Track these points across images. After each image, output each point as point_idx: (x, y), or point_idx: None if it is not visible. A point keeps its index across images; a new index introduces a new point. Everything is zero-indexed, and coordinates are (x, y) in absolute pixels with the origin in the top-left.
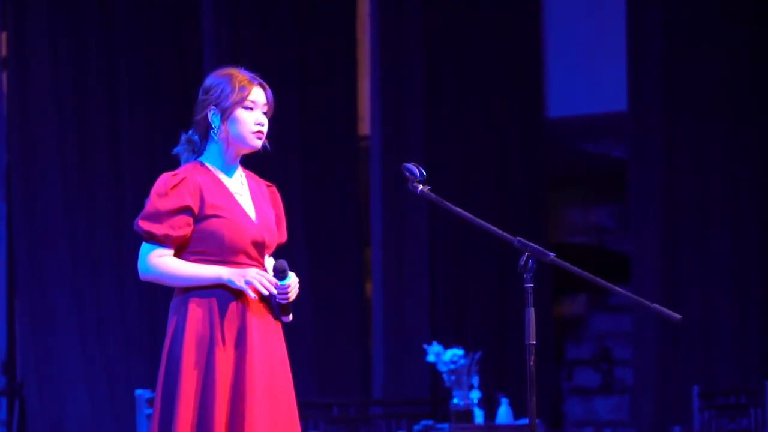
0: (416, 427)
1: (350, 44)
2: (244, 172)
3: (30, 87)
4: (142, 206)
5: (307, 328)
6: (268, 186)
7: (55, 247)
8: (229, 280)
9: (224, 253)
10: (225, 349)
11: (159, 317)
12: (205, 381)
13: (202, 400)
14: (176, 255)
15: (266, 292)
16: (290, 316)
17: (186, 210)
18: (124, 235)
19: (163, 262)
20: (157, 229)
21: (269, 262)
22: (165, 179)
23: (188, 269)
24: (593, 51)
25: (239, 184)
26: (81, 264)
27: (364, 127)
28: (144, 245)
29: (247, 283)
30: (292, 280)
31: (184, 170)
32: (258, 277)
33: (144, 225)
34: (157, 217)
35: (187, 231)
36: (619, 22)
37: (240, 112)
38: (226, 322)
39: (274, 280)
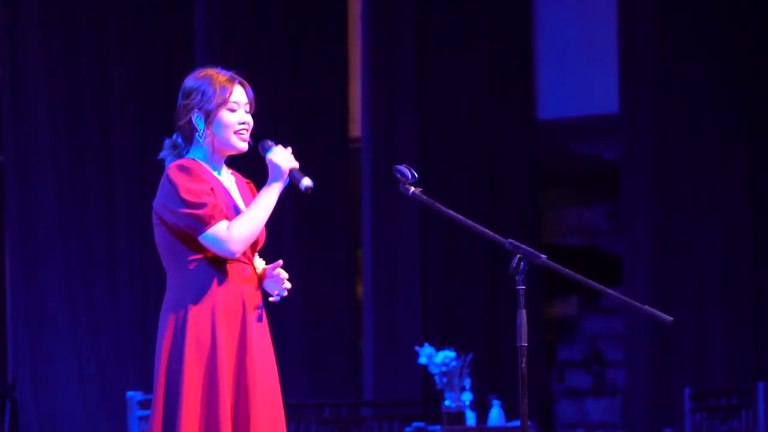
0: (408, 429)
1: (341, 46)
2: (228, 169)
3: (22, 89)
4: (134, 207)
5: (299, 330)
6: (248, 182)
7: (47, 248)
8: (281, 185)
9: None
10: (227, 354)
11: (151, 318)
12: (209, 386)
13: (207, 405)
14: (174, 255)
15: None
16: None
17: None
18: (117, 236)
19: (236, 226)
20: (212, 207)
21: (259, 261)
22: (180, 169)
23: (257, 212)
24: (585, 52)
25: (229, 182)
26: (73, 265)
27: (355, 129)
28: (209, 230)
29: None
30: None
31: (186, 161)
32: (286, 154)
33: (199, 211)
34: (201, 200)
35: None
36: (610, 23)
37: (224, 114)
38: (227, 327)
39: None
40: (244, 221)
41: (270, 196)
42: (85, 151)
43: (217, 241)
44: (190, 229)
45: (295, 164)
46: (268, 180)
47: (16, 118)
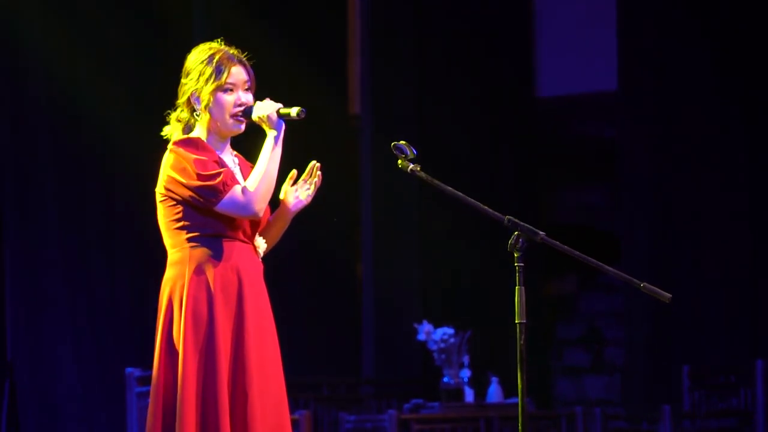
0: (407, 406)
1: (340, 24)
2: (233, 151)
3: (22, 80)
4: (132, 187)
5: (298, 308)
6: (251, 166)
7: (45, 228)
8: (279, 132)
9: (225, 229)
10: (224, 330)
11: (149, 297)
12: (205, 362)
13: (204, 381)
14: (174, 232)
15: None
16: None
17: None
18: (115, 217)
19: (252, 186)
20: (224, 175)
21: (260, 240)
22: (187, 143)
23: (267, 167)
24: (584, 30)
25: (232, 163)
26: (71, 245)
27: (355, 107)
28: (226, 197)
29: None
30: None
31: (190, 137)
32: (266, 102)
33: (213, 182)
34: (213, 170)
35: None
36: (610, 0)
37: (220, 97)
38: (224, 304)
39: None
40: (258, 179)
41: (273, 147)
42: (83, 135)
43: (237, 205)
44: (207, 200)
45: (278, 105)
46: (277, 131)
47: (16, 103)
